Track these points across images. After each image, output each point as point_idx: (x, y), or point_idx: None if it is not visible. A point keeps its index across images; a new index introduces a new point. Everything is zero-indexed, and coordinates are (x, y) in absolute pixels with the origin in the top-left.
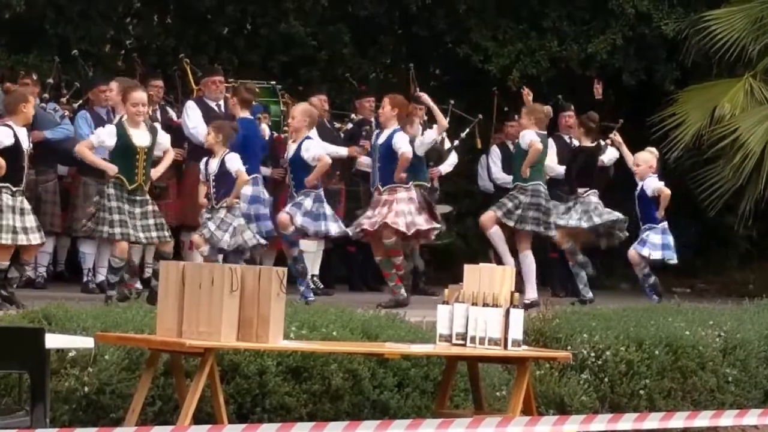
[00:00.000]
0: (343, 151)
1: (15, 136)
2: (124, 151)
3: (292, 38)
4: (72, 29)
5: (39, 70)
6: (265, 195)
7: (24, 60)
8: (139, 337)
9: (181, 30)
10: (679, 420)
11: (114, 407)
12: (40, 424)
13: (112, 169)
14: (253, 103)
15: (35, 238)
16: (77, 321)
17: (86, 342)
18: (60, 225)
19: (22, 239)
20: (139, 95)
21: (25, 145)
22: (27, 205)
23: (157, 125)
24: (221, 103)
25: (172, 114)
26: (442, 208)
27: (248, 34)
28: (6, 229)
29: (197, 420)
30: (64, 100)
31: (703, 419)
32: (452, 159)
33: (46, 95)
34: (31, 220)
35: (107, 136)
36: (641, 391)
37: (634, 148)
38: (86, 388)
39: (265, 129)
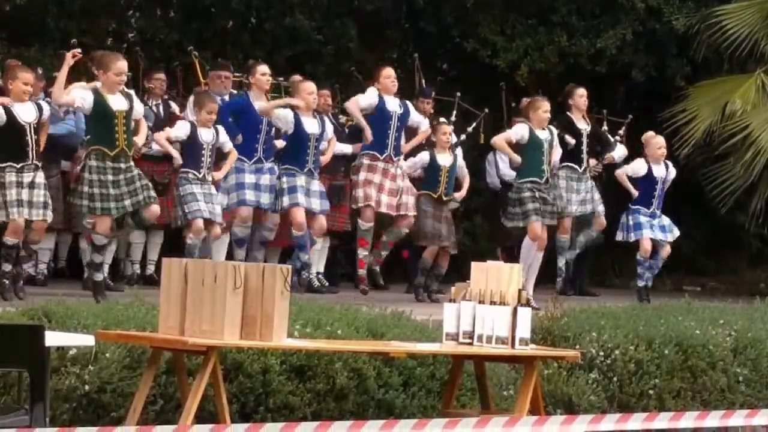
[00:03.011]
0: (346, 147)
1: (10, 112)
2: (102, 117)
3: (297, 33)
4: (74, 23)
5: (40, 64)
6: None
7: (25, 54)
8: (140, 334)
9: (185, 24)
10: (688, 420)
11: (115, 406)
12: (40, 423)
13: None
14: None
15: (37, 214)
16: (78, 318)
17: (87, 340)
18: (62, 221)
19: (28, 213)
20: (123, 64)
21: (27, 119)
22: (40, 179)
23: (131, 91)
24: (226, 98)
25: (175, 108)
26: (450, 205)
27: (253, 28)
28: (11, 204)
29: (199, 419)
30: None
31: (713, 419)
32: (460, 154)
33: (51, 89)
34: (40, 195)
35: (86, 94)
36: (650, 391)
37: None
38: (87, 387)
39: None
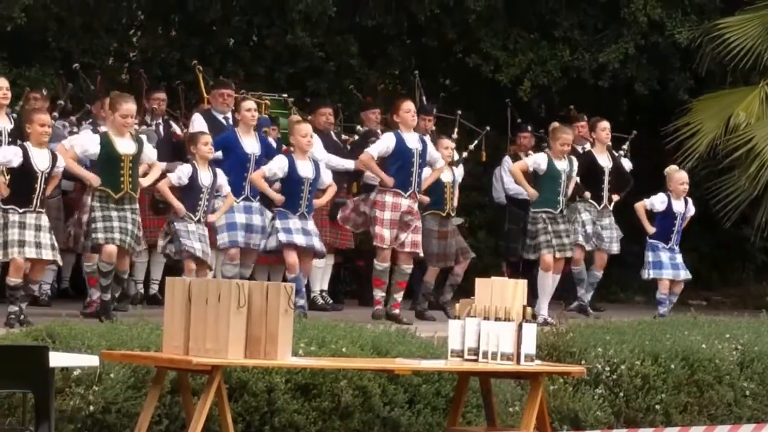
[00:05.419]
0: (349, 164)
1: (27, 157)
2: (108, 160)
3: (298, 49)
4: (74, 42)
5: (41, 83)
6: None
7: (26, 73)
8: (145, 354)
9: (186, 42)
10: None
11: (120, 426)
12: None
13: (95, 179)
14: (262, 115)
15: (47, 254)
16: (82, 339)
17: (91, 360)
18: (64, 242)
19: (30, 252)
20: (130, 106)
21: (42, 167)
22: (45, 223)
23: (143, 137)
24: (228, 116)
25: (176, 128)
26: (454, 221)
27: (254, 45)
28: (11, 244)
29: None
30: (73, 118)
31: None
32: (459, 170)
33: (55, 113)
34: (46, 237)
35: (90, 144)
36: (657, 406)
37: (649, 159)
38: (91, 407)
39: (272, 143)
